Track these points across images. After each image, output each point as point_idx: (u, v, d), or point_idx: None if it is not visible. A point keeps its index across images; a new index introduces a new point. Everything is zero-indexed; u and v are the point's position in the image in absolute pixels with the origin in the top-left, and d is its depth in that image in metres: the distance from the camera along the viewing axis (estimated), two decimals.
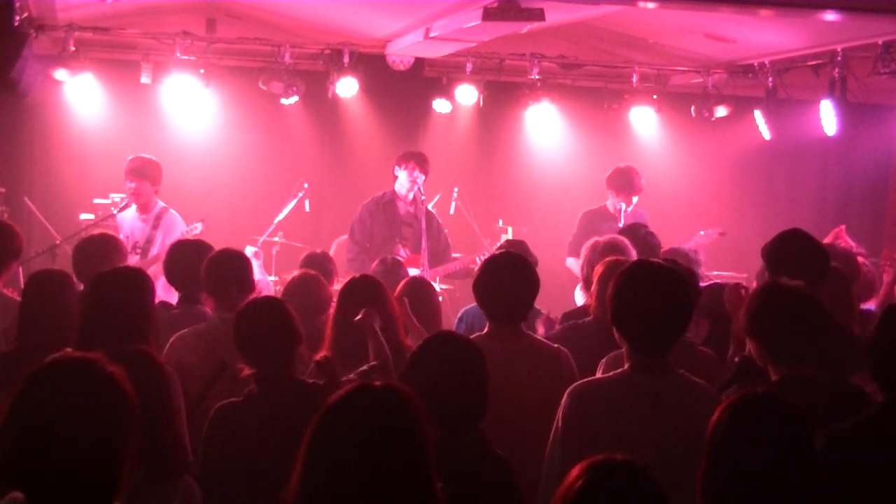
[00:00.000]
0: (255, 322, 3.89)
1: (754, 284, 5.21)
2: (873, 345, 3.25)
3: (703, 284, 5.19)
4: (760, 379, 3.57)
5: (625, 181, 8.29)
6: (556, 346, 4.38)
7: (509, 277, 4.28)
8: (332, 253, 7.46)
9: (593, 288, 5.01)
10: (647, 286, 3.49)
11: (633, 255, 5.50)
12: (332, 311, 4.84)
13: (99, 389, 2.34)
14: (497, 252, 4.82)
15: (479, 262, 7.84)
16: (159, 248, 7.38)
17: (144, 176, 7.53)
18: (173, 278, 5.26)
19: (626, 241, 5.55)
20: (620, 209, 8.19)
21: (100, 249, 5.36)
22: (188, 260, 5.09)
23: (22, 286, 5.91)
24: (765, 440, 2.54)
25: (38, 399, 2.31)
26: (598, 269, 4.99)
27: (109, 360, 2.37)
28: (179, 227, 7.53)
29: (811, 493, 2.54)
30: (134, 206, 7.68)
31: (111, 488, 2.34)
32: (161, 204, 7.67)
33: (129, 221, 7.74)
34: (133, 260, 7.41)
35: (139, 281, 4.17)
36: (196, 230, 7.57)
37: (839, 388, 3.64)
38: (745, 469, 2.52)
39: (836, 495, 2.81)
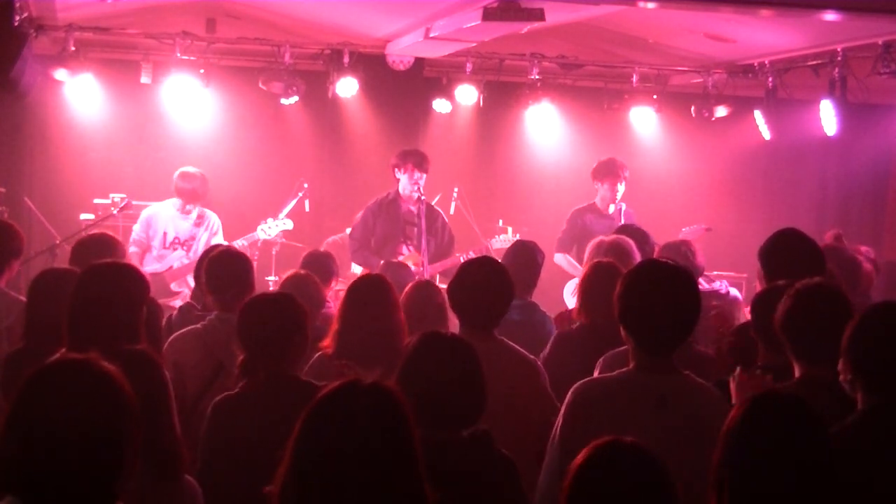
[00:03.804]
0: (253, 316, 3.90)
1: (755, 285, 5.22)
2: (853, 342, 3.18)
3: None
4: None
5: (607, 169, 8.45)
6: (531, 357, 4.36)
7: (481, 286, 4.26)
8: None
9: (577, 290, 4.96)
10: (657, 285, 3.48)
11: (638, 257, 5.48)
12: (334, 309, 4.84)
13: (95, 390, 2.34)
14: (472, 258, 4.82)
15: (462, 260, 7.89)
16: (205, 245, 7.80)
17: None
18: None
19: (631, 242, 5.51)
20: (608, 203, 8.34)
21: (99, 248, 5.32)
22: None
23: (21, 286, 5.93)
24: (783, 438, 2.53)
25: (35, 403, 2.32)
26: (584, 271, 4.96)
27: (106, 359, 2.37)
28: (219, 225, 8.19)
29: (828, 492, 2.53)
30: (171, 204, 8.09)
31: (112, 489, 2.34)
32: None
33: (165, 218, 8.00)
34: (177, 255, 8.02)
35: (129, 276, 3.87)
36: None
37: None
38: (763, 465, 2.50)
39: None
